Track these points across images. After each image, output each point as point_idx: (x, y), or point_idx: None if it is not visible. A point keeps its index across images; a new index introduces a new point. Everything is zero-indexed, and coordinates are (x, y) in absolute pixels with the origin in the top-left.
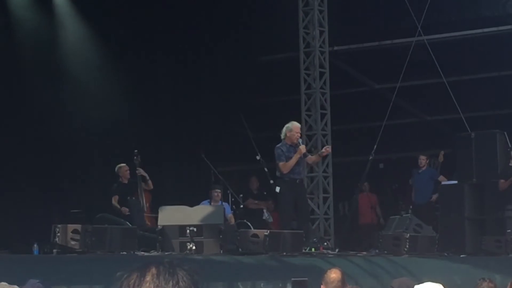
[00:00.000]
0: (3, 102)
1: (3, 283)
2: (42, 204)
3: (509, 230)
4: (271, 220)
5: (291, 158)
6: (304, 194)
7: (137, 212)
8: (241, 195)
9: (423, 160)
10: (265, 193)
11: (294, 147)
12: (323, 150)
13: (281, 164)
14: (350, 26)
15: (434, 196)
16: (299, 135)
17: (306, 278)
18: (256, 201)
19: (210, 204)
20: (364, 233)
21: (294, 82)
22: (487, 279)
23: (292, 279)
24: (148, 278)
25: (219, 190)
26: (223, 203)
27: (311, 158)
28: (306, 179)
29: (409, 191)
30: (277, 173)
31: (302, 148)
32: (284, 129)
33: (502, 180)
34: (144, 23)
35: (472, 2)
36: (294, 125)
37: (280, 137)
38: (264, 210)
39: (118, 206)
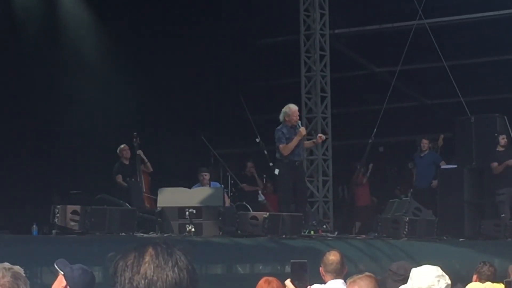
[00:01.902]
0: (2, 86)
1: (5, 263)
2: (42, 185)
3: (503, 215)
4: (265, 202)
5: (291, 140)
6: (303, 177)
7: (136, 193)
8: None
9: (425, 144)
10: (264, 175)
11: (294, 128)
12: (318, 137)
13: (281, 146)
14: (350, 9)
15: (435, 182)
16: (298, 117)
17: (306, 260)
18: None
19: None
20: (361, 215)
21: (295, 64)
22: (487, 263)
23: (291, 261)
24: (147, 258)
25: (205, 173)
26: (216, 183)
27: (306, 143)
28: (306, 162)
29: (408, 174)
30: (277, 155)
31: (303, 130)
32: (282, 113)
33: (495, 164)
34: (143, 4)
35: None
36: (292, 109)
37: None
38: (260, 192)
39: (124, 184)
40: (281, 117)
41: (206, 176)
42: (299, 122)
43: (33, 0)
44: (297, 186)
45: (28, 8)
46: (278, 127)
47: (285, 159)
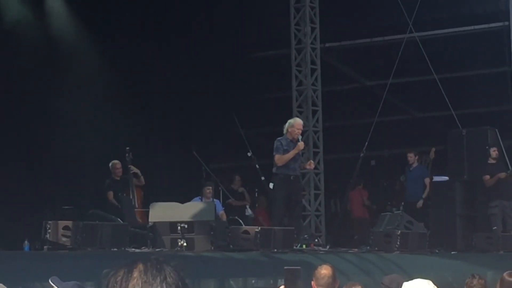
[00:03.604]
0: None
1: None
2: (33, 200)
3: (495, 228)
4: (253, 216)
5: (288, 152)
6: (299, 191)
7: (128, 208)
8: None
9: (410, 157)
10: (256, 190)
11: (294, 143)
12: (309, 163)
13: (277, 156)
14: (341, 22)
15: (420, 202)
16: (300, 131)
17: (299, 267)
18: (237, 200)
19: (202, 200)
20: (356, 227)
21: (286, 78)
22: (477, 276)
23: (285, 267)
24: (135, 274)
25: (210, 187)
26: (214, 199)
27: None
28: None
29: (400, 188)
30: (273, 169)
31: (301, 145)
32: (287, 124)
33: (487, 176)
34: (136, 19)
35: None
36: (297, 122)
37: (273, 132)
38: (247, 207)
39: (116, 203)
40: (284, 127)
41: (211, 190)
42: (300, 137)
43: (25, 19)
44: (291, 200)
45: (20, 28)
46: (279, 138)
47: (280, 173)
